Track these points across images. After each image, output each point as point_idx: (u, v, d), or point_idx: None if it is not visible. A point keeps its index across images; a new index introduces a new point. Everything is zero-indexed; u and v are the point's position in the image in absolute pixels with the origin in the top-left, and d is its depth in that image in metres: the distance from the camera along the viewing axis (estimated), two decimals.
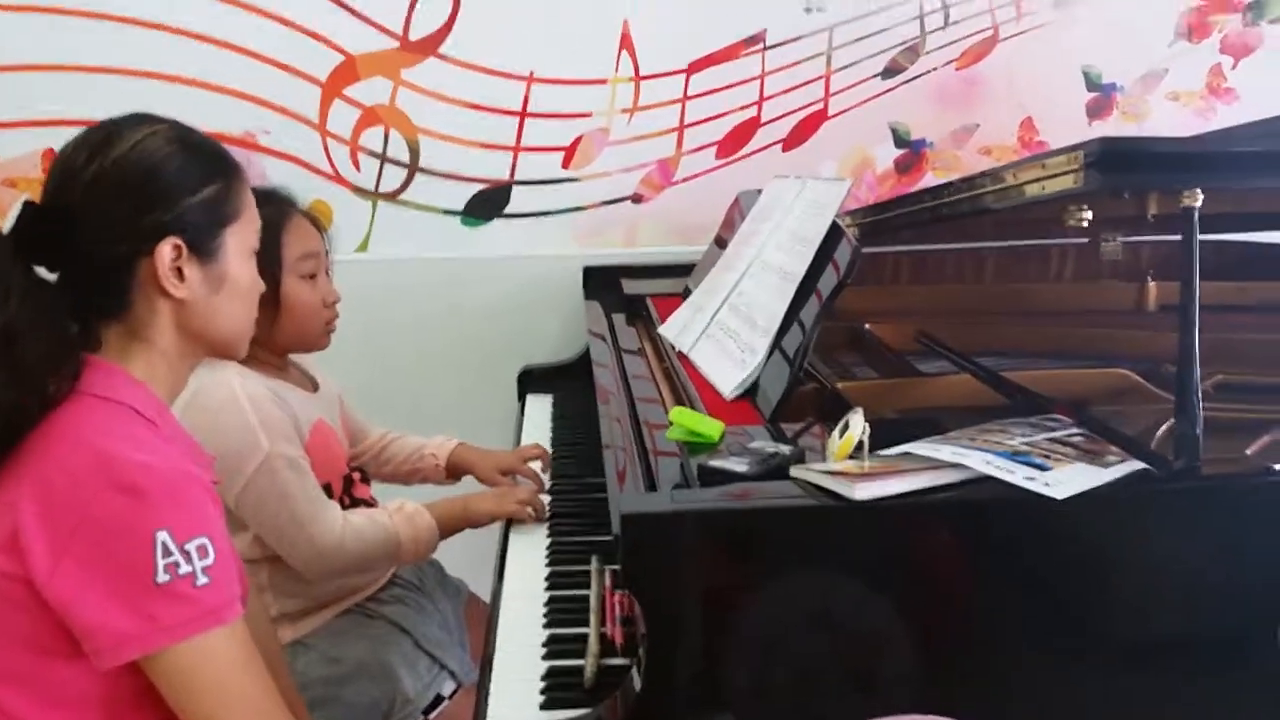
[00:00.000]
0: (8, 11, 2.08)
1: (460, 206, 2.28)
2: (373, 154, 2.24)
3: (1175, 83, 2.37)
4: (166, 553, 0.93)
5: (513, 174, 2.27)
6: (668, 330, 1.71)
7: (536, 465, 1.73)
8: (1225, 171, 1.12)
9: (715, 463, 1.07)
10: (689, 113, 2.29)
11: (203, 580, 0.94)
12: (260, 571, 1.47)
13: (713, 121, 2.30)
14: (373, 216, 2.27)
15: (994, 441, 1.05)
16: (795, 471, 1.03)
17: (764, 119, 2.31)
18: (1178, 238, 1.04)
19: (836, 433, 1.06)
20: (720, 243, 1.88)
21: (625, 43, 2.24)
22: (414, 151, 2.24)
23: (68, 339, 1.01)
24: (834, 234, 1.40)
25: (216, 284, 1.07)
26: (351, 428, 1.72)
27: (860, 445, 1.03)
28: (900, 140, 2.36)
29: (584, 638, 1.16)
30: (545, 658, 1.19)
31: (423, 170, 2.25)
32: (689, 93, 2.28)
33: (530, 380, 2.18)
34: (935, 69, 2.33)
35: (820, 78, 2.31)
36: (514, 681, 1.14)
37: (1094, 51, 2.33)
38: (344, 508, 1.52)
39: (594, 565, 1.27)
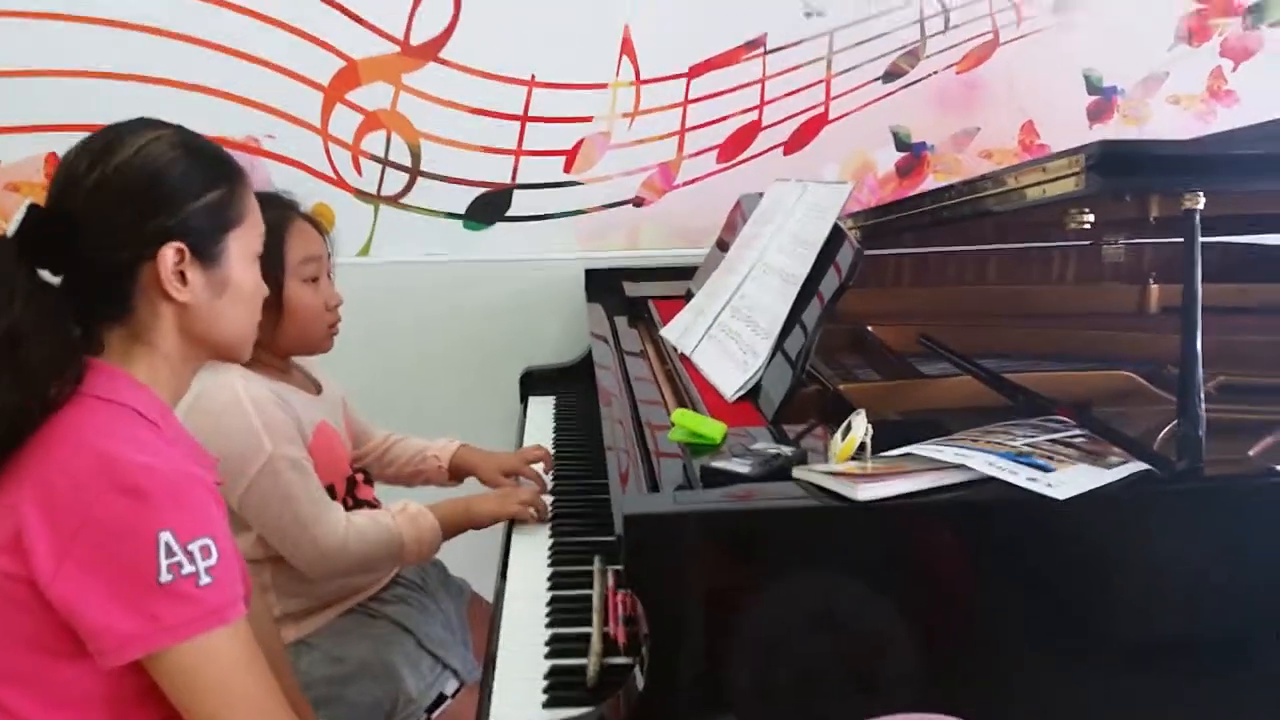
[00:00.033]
0: (10, 17, 2.09)
1: (462, 210, 2.28)
2: (375, 158, 2.24)
3: (1176, 86, 2.37)
4: (169, 553, 0.93)
5: (514, 178, 2.28)
6: (670, 332, 1.71)
7: (539, 467, 1.73)
8: (1226, 174, 1.12)
9: (717, 464, 1.07)
10: (690, 116, 2.30)
11: (206, 580, 0.95)
12: (263, 571, 1.48)
13: (714, 125, 2.31)
14: (375, 220, 2.27)
15: (996, 443, 1.05)
16: (798, 472, 1.03)
17: (765, 123, 2.32)
18: (1179, 240, 1.04)
19: (839, 434, 1.06)
20: (722, 246, 1.88)
21: (626, 47, 2.25)
22: (416, 155, 2.24)
23: (70, 342, 1.01)
24: (836, 237, 1.40)
25: (219, 288, 1.07)
26: (355, 430, 1.73)
27: (863, 446, 1.03)
28: (901, 144, 2.37)
29: (586, 637, 1.16)
30: (548, 657, 1.19)
31: (424, 174, 2.26)
32: (690, 97, 2.28)
33: (532, 382, 2.18)
34: (936, 73, 2.33)
35: (821, 81, 2.31)
36: (517, 680, 1.14)
37: (1094, 55, 2.34)
38: (347, 509, 1.53)
39: (596, 565, 1.28)
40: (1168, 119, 2.37)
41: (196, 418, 1.33)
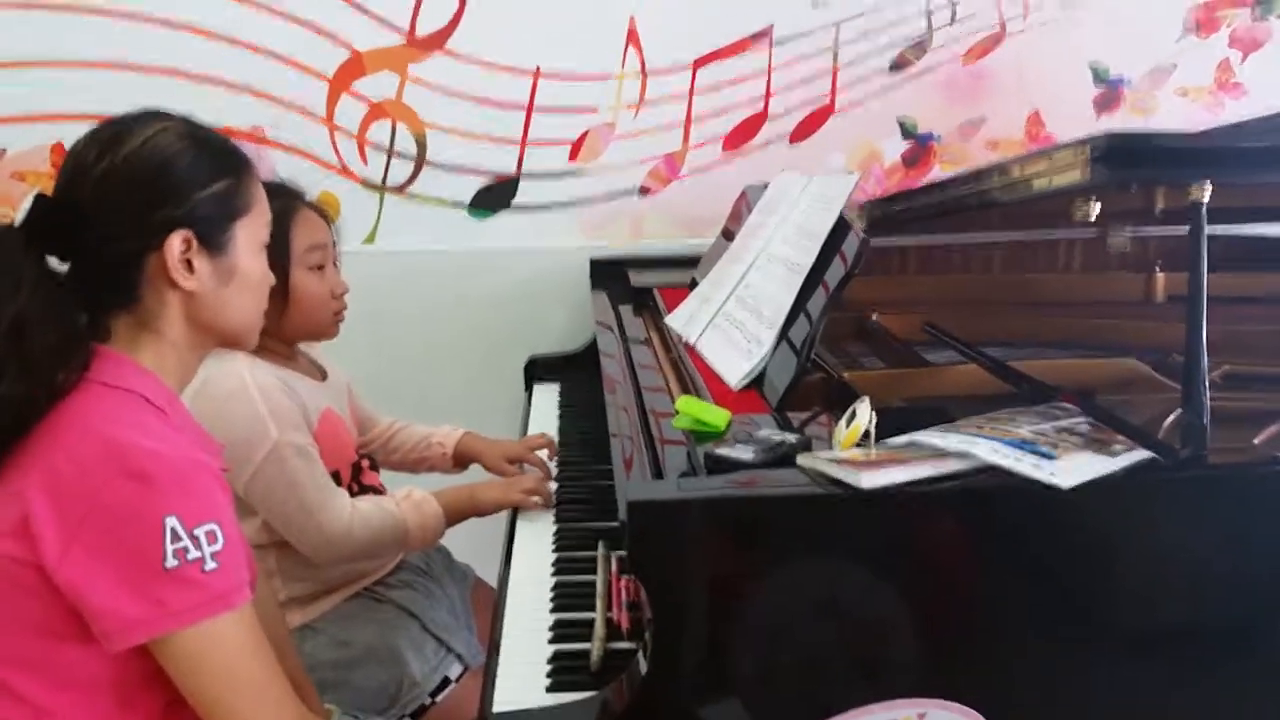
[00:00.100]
0: (16, 8, 2.09)
1: (467, 199, 2.28)
2: (380, 148, 2.24)
3: (1183, 78, 2.36)
4: (176, 538, 0.94)
5: (519, 167, 2.28)
6: (674, 321, 1.71)
7: (543, 454, 1.74)
8: (1233, 165, 1.12)
9: (722, 451, 1.07)
10: (696, 107, 2.29)
11: (211, 565, 0.95)
12: (269, 557, 1.48)
13: (719, 116, 2.30)
14: (380, 209, 2.27)
15: (1000, 430, 1.05)
16: (802, 460, 1.03)
17: (771, 113, 2.31)
18: (1185, 230, 1.04)
19: (843, 421, 1.06)
20: (727, 235, 1.88)
21: (632, 37, 2.24)
22: (421, 145, 2.24)
23: (77, 330, 1.01)
24: (841, 227, 1.40)
25: (226, 277, 1.07)
26: (360, 416, 1.73)
27: (867, 434, 1.04)
28: (908, 134, 2.36)
29: (590, 622, 1.17)
30: (551, 641, 1.20)
31: (430, 164, 2.26)
32: (696, 87, 2.28)
33: (537, 370, 2.18)
34: (943, 63, 2.32)
35: (827, 72, 2.31)
36: (520, 665, 1.15)
37: (1101, 46, 2.33)
38: (352, 495, 1.53)
39: (600, 551, 1.28)
40: (1175, 111, 2.36)
41: (203, 404, 1.33)
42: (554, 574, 1.36)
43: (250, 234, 1.10)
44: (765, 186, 1.81)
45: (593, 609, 1.19)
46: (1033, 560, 1.01)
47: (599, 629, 1.15)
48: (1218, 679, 1.05)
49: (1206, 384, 1.00)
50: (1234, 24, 2.34)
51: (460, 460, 1.81)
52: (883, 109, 2.34)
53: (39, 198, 1.00)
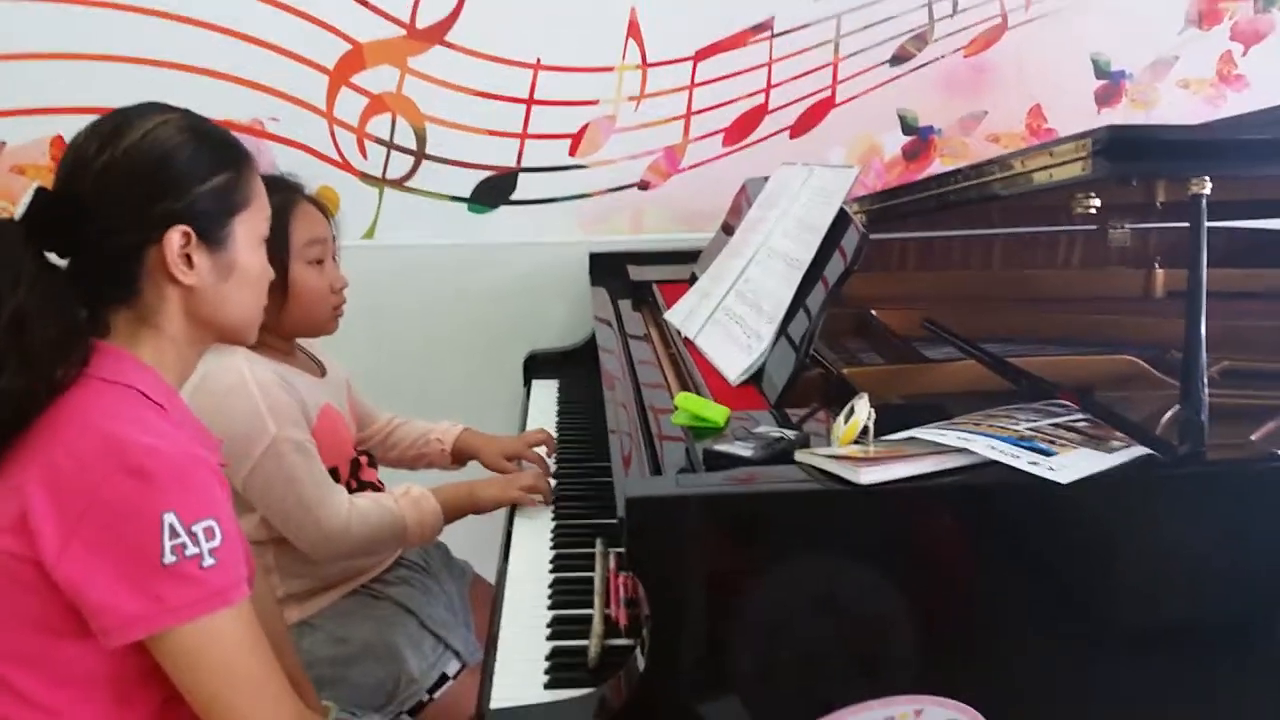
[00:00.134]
0: (15, 1, 2.08)
1: (467, 193, 2.28)
2: (380, 141, 2.24)
3: (1185, 70, 2.36)
4: (174, 534, 0.93)
5: (519, 161, 2.27)
6: (674, 316, 1.71)
7: (541, 450, 1.74)
8: (1234, 159, 1.11)
9: (720, 447, 1.07)
10: (696, 100, 2.29)
11: (209, 562, 0.95)
12: (267, 553, 1.48)
13: (720, 109, 2.30)
14: (379, 203, 2.27)
15: (999, 426, 1.05)
16: (800, 456, 1.03)
17: (771, 106, 2.31)
18: (1186, 225, 1.04)
19: (842, 417, 1.06)
20: (727, 229, 1.88)
21: (632, 30, 2.24)
22: (421, 138, 2.24)
23: (76, 325, 1.01)
24: (841, 221, 1.40)
25: (225, 271, 1.07)
26: (359, 412, 1.73)
27: (865, 430, 1.04)
28: (908, 127, 2.36)
29: (588, 619, 1.17)
30: (550, 638, 1.20)
31: (429, 157, 2.25)
32: (696, 80, 2.28)
33: (536, 366, 2.18)
34: (943, 56, 2.32)
35: (828, 65, 2.30)
36: (518, 661, 1.15)
37: (1103, 39, 2.32)
38: (351, 491, 1.53)
39: (598, 548, 1.28)
40: (1177, 103, 2.36)
41: (201, 399, 1.33)
42: (552, 570, 1.36)
43: (250, 228, 1.10)
44: (766, 180, 1.81)
45: (591, 605, 1.19)
46: (1030, 557, 1.01)
47: (597, 625, 1.14)
48: (1216, 675, 1.05)
49: (1205, 380, 1.00)
50: (1236, 16, 2.33)
51: (459, 457, 1.81)
52: (883, 102, 2.33)
53: (39, 191, 1.00)
